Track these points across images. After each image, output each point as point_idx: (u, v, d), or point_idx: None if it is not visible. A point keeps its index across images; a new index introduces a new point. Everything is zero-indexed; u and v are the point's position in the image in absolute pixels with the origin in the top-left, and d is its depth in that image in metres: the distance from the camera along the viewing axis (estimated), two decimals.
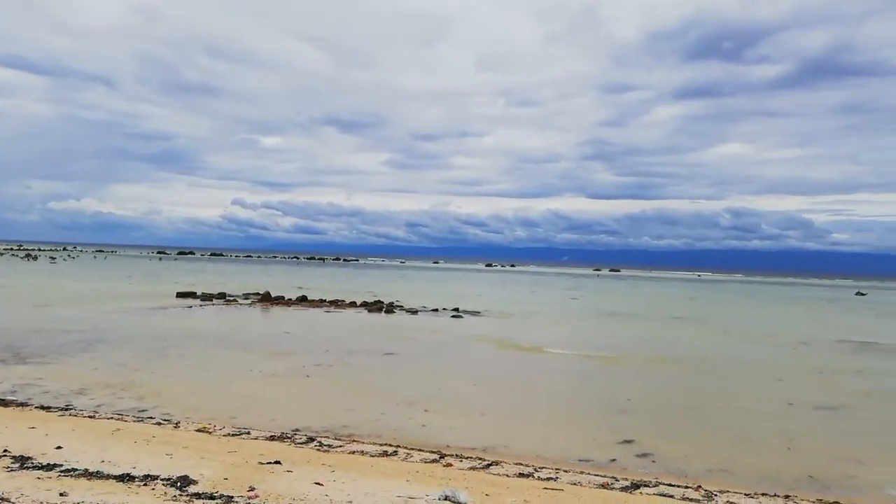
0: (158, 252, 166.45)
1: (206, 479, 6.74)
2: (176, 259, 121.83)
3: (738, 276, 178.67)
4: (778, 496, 8.14)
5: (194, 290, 36.97)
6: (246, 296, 37.43)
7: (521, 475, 8.34)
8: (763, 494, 8.18)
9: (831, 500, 8.08)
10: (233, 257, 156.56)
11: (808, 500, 8.02)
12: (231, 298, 35.51)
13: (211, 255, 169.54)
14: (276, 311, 31.19)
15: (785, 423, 12.35)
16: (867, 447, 10.90)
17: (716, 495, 7.93)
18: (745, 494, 8.09)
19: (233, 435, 9.67)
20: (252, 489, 6.47)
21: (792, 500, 7.99)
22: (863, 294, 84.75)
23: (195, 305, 31.49)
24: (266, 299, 34.85)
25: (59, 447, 7.74)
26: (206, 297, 34.96)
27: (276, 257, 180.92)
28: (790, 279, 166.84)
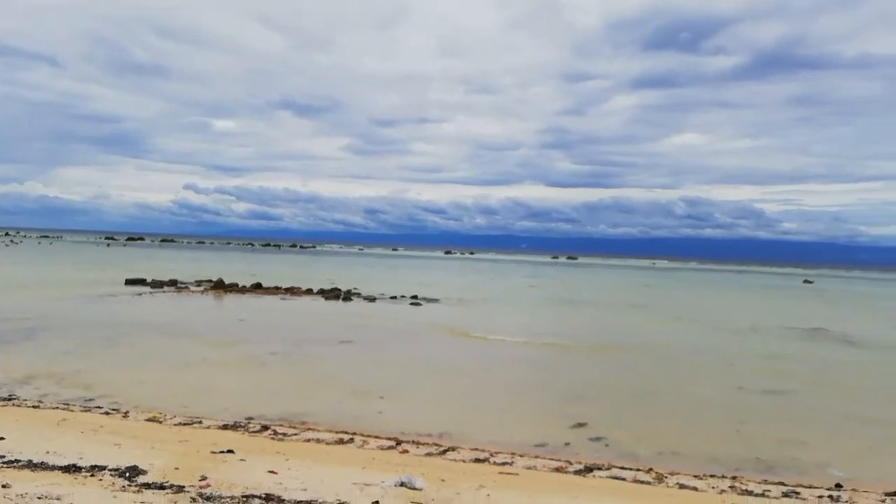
0: (107, 238, 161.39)
1: (157, 468, 6.60)
2: (125, 245, 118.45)
3: (693, 264, 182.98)
4: (725, 477, 8.38)
5: (144, 277, 36.01)
6: (198, 283, 36.67)
7: (477, 461, 8.40)
8: (711, 476, 8.41)
9: (776, 481, 8.36)
10: (185, 243, 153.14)
11: (755, 481, 8.27)
12: (183, 285, 34.75)
13: (162, 241, 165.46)
14: (230, 298, 30.66)
15: (734, 408, 12.73)
16: (811, 430, 11.31)
17: (666, 477, 8.13)
18: (695, 476, 8.31)
19: (184, 424, 9.48)
20: (204, 478, 6.35)
21: (739, 481, 8.24)
22: (810, 282, 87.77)
23: (145, 293, 30.71)
24: (219, 286, 34.20)
25: (1, 438, 7.47)
26: (157, 285, 34.12)
27: (229, 244, 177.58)
28: (741, 267, 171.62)
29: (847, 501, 7.53)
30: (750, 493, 7.65)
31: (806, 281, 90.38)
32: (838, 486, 8.25)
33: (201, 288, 34.28)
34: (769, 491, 7.76)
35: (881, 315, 40.05)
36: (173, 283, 35.24)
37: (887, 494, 7.88)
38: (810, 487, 8.07)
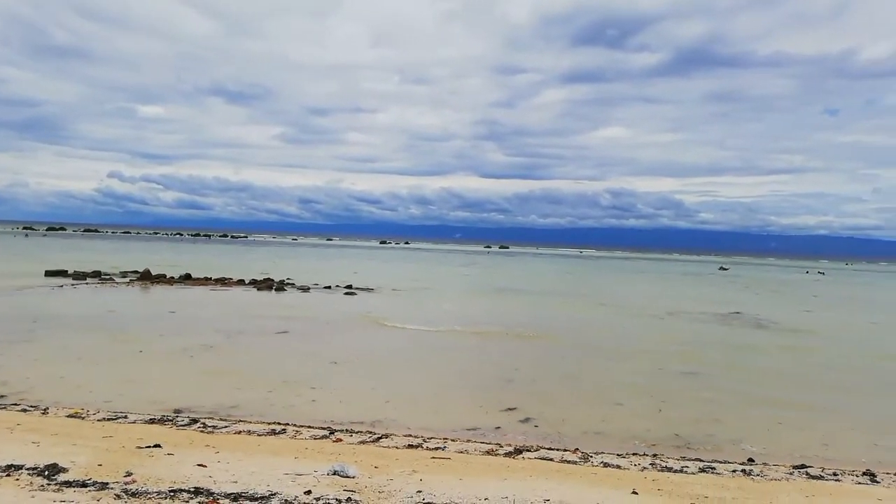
0: (24, 228, 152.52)
1: (79, 466, 6.40)
2: (45, 235, 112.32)
3: (618, 253, 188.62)
4: (647, 455, 8.79)
5: (66, 269, 34.37)
6: (124, 274, 35.31)
7: (410, 446, 8.51)
8: (633, 454, 8.81)
9: (693, 457, 8.83)
10: (109, 234, 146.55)
11: (674, 458, 8.71)
12: (107, 277, 33.38)
13: (85, 231, 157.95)
14: (158, 290, 29.66)
15: (654, 389, 13.31)
16: (726, 409, 11.95)
17: (591, 457, 8.46)
18: (618, 455, 8.68)
19: (108, 420, 9.19)
20: (129, 474, 6.21)
21: (659, 457, 8.66)
22: (725, 269, 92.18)
23: (66, 285, 29.30)
24: (146, 278, 33.02)
25: None
26: (79, 276, 32.64)
27: (157, 234, 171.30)
28: (663, 255, 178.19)
29: (758, 474, 8.01)
30: (669, 469, 8.05)
31: (721, 268, 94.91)
32: (750, 460, 8.79)
33: (127, 279, 33.02)
34: (687, 467, 8.19)
35: (790, 300, 42.48)
36: (97, 274, 33.80)
37: (794, 467, 8.44)
38: (725, 462, 8.56)
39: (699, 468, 8.16)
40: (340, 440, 8.69)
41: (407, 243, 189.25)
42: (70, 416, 9.31)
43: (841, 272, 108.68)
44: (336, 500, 5.79)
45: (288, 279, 35.58)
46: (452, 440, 9.00)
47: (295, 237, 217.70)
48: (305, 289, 32.20)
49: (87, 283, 30.46)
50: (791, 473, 8.16)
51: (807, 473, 8.16)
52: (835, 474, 8.18)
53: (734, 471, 8.12)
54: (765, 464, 8.60)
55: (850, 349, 20.14)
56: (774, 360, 17.87)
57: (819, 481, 7.85)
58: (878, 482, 7.97)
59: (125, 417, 9.38)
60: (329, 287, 33.22)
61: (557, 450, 8.79)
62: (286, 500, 5.71)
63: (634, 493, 6.64)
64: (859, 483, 7.89)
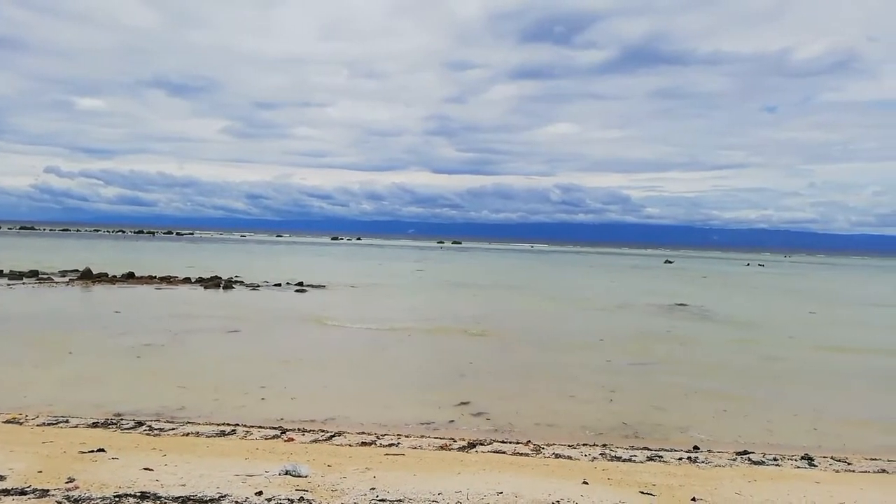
0: None
1: (17, 473, 6.15)
2: None
3: (568, 247, 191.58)
4: (597, 445, 8.96)
5: (0, 269, 32.89)
6: (63, 273, 34.01)
7: (364, 444, 8.47)
8: (584, 445, 8.98)
9: (641, 446, 9.05)
10: (47, 231, 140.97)
11: (623, 447, 8.91)
12: (45, 276, 32.08)
13: (20, 228, 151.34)
14: (99, 289, 28.69)
15: (604, 380, 13.57)
16: (674, 398, 12.29)
17: (543, 448, 8.58)
18: (569, 446, 8.83)
19: (49, 424, 8.85)
20: (71, 480, 6.00)
21: (608, 447, 8.85)
22: (670, 262, 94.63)
23: (1, 285, 28.06)
24: (87, 277, 31.87)
25: None
26: (15, 276, 31.26)
27: (98, 231, 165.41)
28: (611, 249, 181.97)
29: (704, 461, 8.27)
30: (618, 458, 8.23)
31: (667, 261, 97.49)
32: (696, 448, 9.06)
33: (66, 279, 31.82)
34: (635, 456, 8.39)
35: (732, 291, 43.93)
36: (34, 273, 32.44)
37: (738, 453, 8.74)
38: (671, 451, 8.79)
39: (647, 457, 8.37)
40: (292, 440, 8.59)
41: (359, 239, 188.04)
42: (7, 421, 8.93)
43: (780, 264, 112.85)
44: (288, 499, 5.72)
45: (236, 277, 34.89)
46: (406, 436, 9.00)
47: (243, 234, 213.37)
48: (254, 286, 31.65)
49: (23, 283, 29.22)
50: (734, 459, 8.45)
51: (749, 459, 8.46)
52: (775, 459, 8.50)
53: (680, 458, 8.36)
54: (709, 451, 8.87)
55: (789, 339, 20.93)
56: (719, 350, 18.43)
57: (761, 466, 8.15)
58: (815, 465, 8.33)
59: (66, 422, 9.05)
60: (279, 284, 32.73)
61: (510, 442, 8.88)
62: (236, 502, 5.61)
63: (585, 482, 6.77)
64: (798, 467, 8.23)
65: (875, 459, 8.77)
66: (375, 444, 8.48)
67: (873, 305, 36.30)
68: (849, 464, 8.47)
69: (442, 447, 8.47)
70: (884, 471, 8.22)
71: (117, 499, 5.54)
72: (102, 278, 31.81)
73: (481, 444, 8.68)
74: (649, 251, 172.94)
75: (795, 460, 8.51)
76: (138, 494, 5.68)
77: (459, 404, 11.08)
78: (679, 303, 31.12)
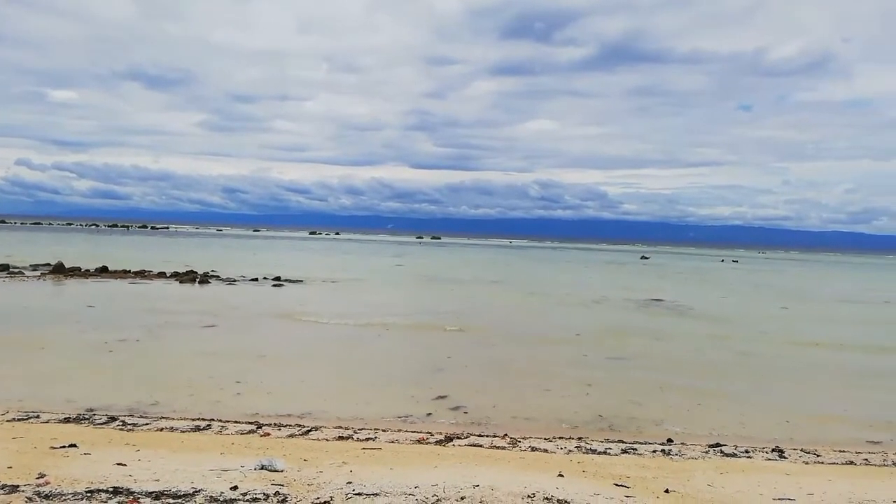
0: None
1: None
2: None
3: (547, 243, 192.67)
4: (572, 438, 9.04)
5: None
6: (34, 267, 33.37)
7: (341, 438, 8.46)
8: (560, 438, 9.05)
9: (616, 439, 9.15)
10: (18, 224, 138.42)
11: (598, 440, 9.00)
12: (16, 270, 31.45)
13: None
14: (72, 283, 28.23)
15: (581, 374, 13.68)
16: (649, 392, 12.43)
17: (519, 442, 8.64)
18: (545, 439, 8.90)
19: (19, 420, 8.71)
20: (42, 475, 5.92)
21: (584, 440, 8.93)
22: (646, 258, 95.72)
23: None
24: (59, 271, 31.32)
25: None
26: None
27: (71, 225, 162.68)
28: (589, 245, 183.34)
29: (677, 454, 8.39)
30: (594, 451, 8.31)
31: (643, 257, 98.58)
32: (670, 440, 9.18)
33: (38, 273, 31.24)
34: (610, 449, 8.48)
35: (707, 287, 44.49)
36: (5, 267, 31.75)
37: (710, 446, 8.88)
38: (646, 443, 8.90)
39: (622, 449, 8.47)
40: (268, 434, 8.54)
41: (338, 234, 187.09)
42: None
43: (754, 260, 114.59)
44: (264, 494, 5.69)
45: (212, 271, 34.54)
46: (383, 430, 8.99)
47: (220, 228, 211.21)
48: (231, 281, 31.37)
49: None
50: (707, 452, 8.58)
51: (721, 451, 8.60)
52: (747, 451, 8.65)
53: (654, 451, 8.47)
54: (683, 443, 9.00)
55: (762, 334, 21.27)
56: (694, 345, 18.67)
57: (732, 458, 8.29)
58: (785, 458, 8.49)
59: (38, 417, 8.90)
60: (256, 279, 32.47)
61: (487, 436, 8.92)
62: (211, 497, 5.57)
63: (560, 475, 6.83)
64: (769, 459, 8.38)
65: (843, 451, 8.96)
66: (352, 439, 8.46)
67: (843, 301, 37.02)
68: (818, 456, 8.65)
69: (419, 441, 8.48)
70: (851, 462, 8.41)
71: (89, 494, 5.47)
72: (75, 272, 31.29)
73: (458, 438, 8.71)
74: (626, 247, 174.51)
75: (767, 452, 8.67)
76: (111, 490, 5.61)
77: (437, 398, 11.10)
78: (655, 298, 31.46)
